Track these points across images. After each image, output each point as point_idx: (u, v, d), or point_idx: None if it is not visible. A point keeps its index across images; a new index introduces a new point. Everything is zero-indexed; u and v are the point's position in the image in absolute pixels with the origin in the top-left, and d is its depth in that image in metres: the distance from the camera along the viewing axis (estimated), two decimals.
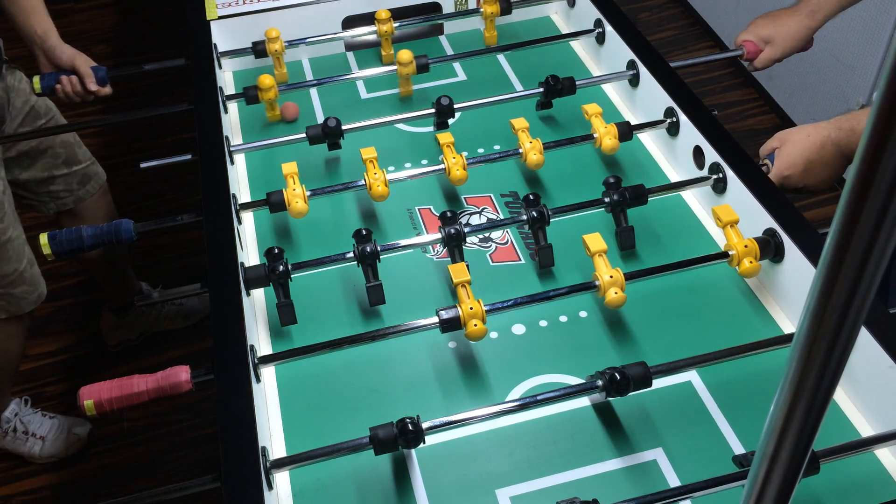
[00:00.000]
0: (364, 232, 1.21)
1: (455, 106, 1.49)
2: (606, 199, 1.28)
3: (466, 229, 1.24)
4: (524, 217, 1.26)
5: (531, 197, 1.26)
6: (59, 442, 2.01)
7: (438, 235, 1.25)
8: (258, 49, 1.67)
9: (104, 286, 2.18)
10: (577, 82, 1.57)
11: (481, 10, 1.75)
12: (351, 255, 1.21)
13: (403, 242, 1.26)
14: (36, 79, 1.62)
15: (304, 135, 1.46)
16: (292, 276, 1.19)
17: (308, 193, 1.33)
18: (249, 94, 1.56)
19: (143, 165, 1.43)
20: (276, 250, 1.20)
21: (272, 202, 1.32)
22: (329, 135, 1.44)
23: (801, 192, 1.32)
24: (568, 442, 1.06)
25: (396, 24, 1.74)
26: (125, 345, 2.25)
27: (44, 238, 1.23)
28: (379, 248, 1.21)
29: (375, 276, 1.22)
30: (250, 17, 1.75)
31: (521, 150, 1.40)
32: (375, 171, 1.34)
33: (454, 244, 1.24)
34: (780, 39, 1.51)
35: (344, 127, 1.46)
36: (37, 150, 1.81)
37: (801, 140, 1.28)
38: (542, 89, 1.52)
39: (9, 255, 1.69)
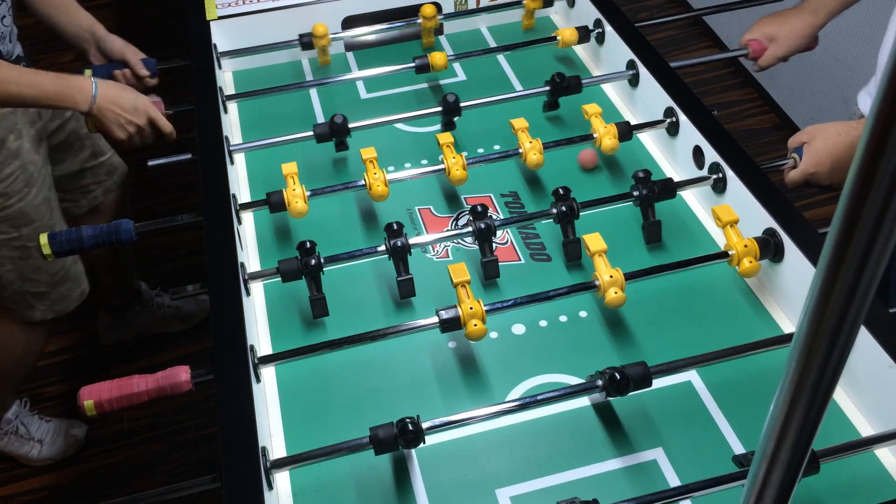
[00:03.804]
0: (395, 226, 1.22)
1: (469, 103, 1.51)
2: (635, 193, 1.28)
3: (497, 222, 1.25)
4: (553, 211, 1.26)
5: (561, 191, 1.27)
6: (57, 444, 2.01)
7: (439, 235, 1.25)
8: (304, 41, 1.71)
9: (105, 286, 2.17)
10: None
11: (523, 1, 1.79)
12: (383, 248, 1.22)
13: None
14: (88, 72, 1.60)
15: (303, 134, 1.46)
16: (324, 269, 1.20)
17: (308, 193, 1.33)
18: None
19: (150, 164, 1.44)
20: (308, 244, 1.20)
21: (272, 202, 1.32)
22: (336, 132, 1.44)
23: (828, 189, 1.31)
24: (568, 442, 1.06)
25: (397, 24, 1.75)
26: (120, 346, 2.24)
27: (43, 238, 1.23)
28: (410, 242, 1.22)
29: (406, 270, 1.22)
30: (250, 17, 1.75)
31: (520, 150, 1.40)
32: (375, 171, 1.35)
33: (484, 238, 1.24)
34: (785, 37, 1.51)
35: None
36: (66, 144, 1.82)
37: (832, 138, 1.27)
38: (548, 88, 1.53)
39: None
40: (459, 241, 1.35)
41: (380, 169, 1.35)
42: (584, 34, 1.68)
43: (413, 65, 1.62)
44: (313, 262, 1.19)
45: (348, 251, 1.24)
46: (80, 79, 1.46)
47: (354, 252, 1.24)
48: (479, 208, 1.25)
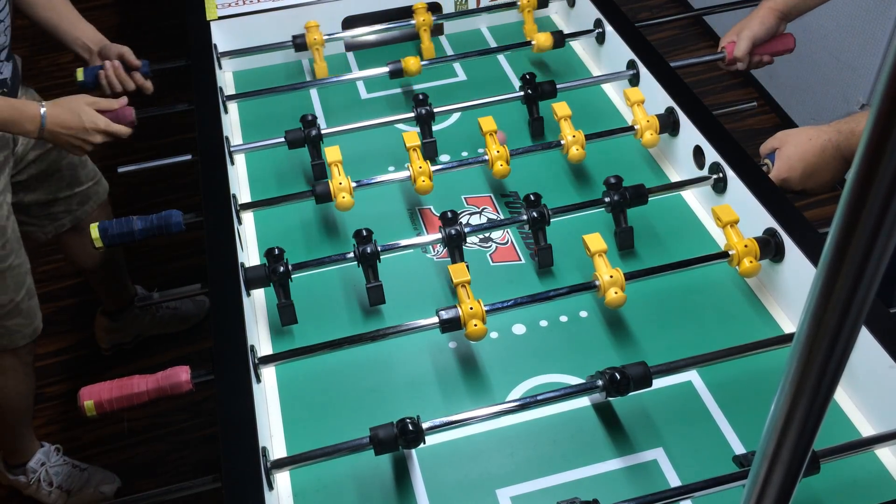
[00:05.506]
0: (364, 233, 1.21)
1: (454, 106, 1.51)
2: (607, 199, 1.28)
3: (467, 229, 1.24)
4: (524, 217, 1.26)
5: (532, 197, 1.26)
6: (84, 496, 1.94)
7: (439, 235, 1.25)
8: (298, 42, 1.68)
9: (100, 291, 2.16)
10: (578, 82, 1.58)
11: (518, 2, 1.77)
12: (351, 255, 1.21)
13: (403, 242, 1.26)
14: (79, 70, 1.61)
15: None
16: (293, 276, 1.19)
17: (353, 185, 1.32)
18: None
19: (120, 171, 1.44)
20: (277, 251, 1.20)
21: (318, 193, 1.31)
22: (310, 141, 1.43)
23: (800, 194, 1.32)
24: (568, 442, 1.06)
25: (398, 24, 1.75)
26: (118, 348, 2.24)
27: (95, 231, 1.24)
28: (379, 248, 1.21)
29: (376, 277, 1.22)
30: (250, 17, 1.75)
31: (563, 142, 1.39)
32: (420, 164, 1.34)
33: (454, 245, 1.23)
34: (746, 24, 1.53)
35: (343, 127, 1.47)
36: (45, 174, 1.77)
37: (802, 143, 1.27)
38: (522, 94, 1.52)
39: (6, 284, 1.62)
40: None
41: (424, 161, 1.35)
42: (559, 39, 1.66)
43: (387, 70, 1.61)
44: (281, 269, 1.18)
45: (317, 258, 1.24)
46: (31, 106, 1.45)
47: (323, 259, 1.23)
48: (450, 214, 1.24)
